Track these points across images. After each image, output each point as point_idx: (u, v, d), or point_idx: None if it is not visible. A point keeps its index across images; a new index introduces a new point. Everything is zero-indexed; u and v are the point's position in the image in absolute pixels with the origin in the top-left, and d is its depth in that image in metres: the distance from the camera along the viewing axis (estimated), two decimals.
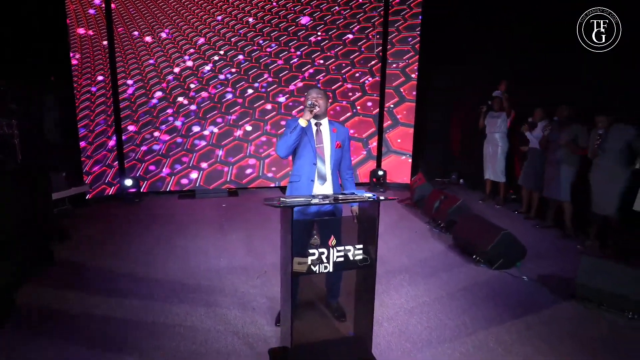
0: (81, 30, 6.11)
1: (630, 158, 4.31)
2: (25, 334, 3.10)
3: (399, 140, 7.50)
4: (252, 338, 3.09)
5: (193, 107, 6.88)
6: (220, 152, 7.04)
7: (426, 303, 3.64)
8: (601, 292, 3.51)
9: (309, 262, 2.49)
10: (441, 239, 5.17)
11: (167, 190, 6.93)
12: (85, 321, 3.26)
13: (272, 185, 7.29)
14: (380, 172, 7.52)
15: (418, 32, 7.23)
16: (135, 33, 6.55)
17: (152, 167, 6.82)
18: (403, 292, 3.83)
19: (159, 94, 6.73)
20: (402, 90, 7.40)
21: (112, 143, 6.58)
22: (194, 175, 6.99)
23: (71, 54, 6.00)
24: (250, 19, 7.00)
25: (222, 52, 6.91)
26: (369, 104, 7.47)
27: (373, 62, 7.39)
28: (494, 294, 3.83)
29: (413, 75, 7.33)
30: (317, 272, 2.51)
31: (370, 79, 7.42)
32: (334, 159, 3.03)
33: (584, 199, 4.87)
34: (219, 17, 6.91)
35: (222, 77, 6.94)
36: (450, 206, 5.32)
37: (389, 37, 7.32)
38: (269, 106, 7.15)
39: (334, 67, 7.29)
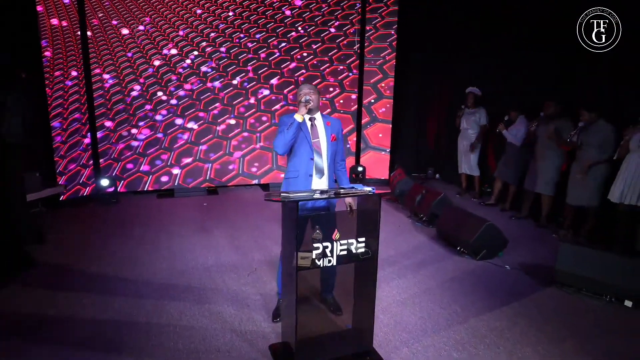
0: (54, 21, 5.85)
1: (607, 153, 4.54)
2: (22, 337, 3.00)
3: (380, 135, 7.60)
4: (251, 335, 3.09)
5: (171, 103, 6.73)
6: (199, 150, 6.93)
7: (417, 294, 3.74)
8: (580, 278, 3.71)
9: (313, 256, 2.52)
10: (424, 232, 5.30)
11: (145, 189, 6.76)
12: (79, 323, 3.18)
13: (253, 182, 7.25)
14: (360, 168, 7.62)
15: (395, 30, 7.35)
16: (114, 22, 6.33)
17: (129, 166, 6.64)
18: (394, 284, 3.91)
19: (136, 89, 6.55)
20: (379, 87, 7.50)
21: (87, 141, 6.34)
22: (173, 173, 6.85)
23: (43, 44, 5.72)
24: (230, 13, 6.92)
25: (201, 48, 6.80)
26: (354, 96, 7.54)
27: (351, 59, 7.46)
28: (480, 283, 3.98)
29: (390, 73, 7.45)
30: (322, 265, 2.55)
31: (348, 75, 7.49)
32: (330, 152, 3.07)
33: (560, 190, 5.11)
34: (198, 11, 6.79)
35: (200, 73, 6.82)
36: (433, 200, 5.46)
37: (367, 35, 7.41)
38: (248, 102, 7.09)
39: (315, 62, 7.30)
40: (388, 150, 7.65)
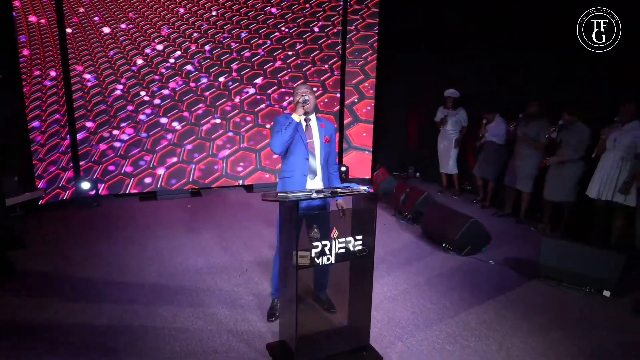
0: (32, 18, 5.68)
1: (580, 153, 4.74)
2: (16, 346, 2.94)
3: (364, 135, 7.69)
4: (247, 335, 3.11)
5: (154, 104, 6.64)
6: (182, 151, 6.86)
7: (407, 290, 3.83)
8: (561, 271, 3.87)
9: (312, 255, 2.56)
10: (409, 230, 5.41)
11: (127, 192, 6.64)
12: (74, 330, 3.13)
13: (237, 184, 7.22)
14: (343, 168, 7.69)
15: (376, 31, 7.45)
16: (96, 19, 6.19)
17: (111, 168, 6.50)
18: (383, 281, 3.99)
19: (118, 89, 6.42)
20: (361, 87, 7.60)
21: (66, 143, 6.18)
22: (156, 174, 6.76)
23: (21, 39, 5.53)
24: (213, 13, 6.87)
25: (183, 48, 6.73)
26: (337, 96, 7.60)
27: (333, 60, 7.52)
28: (467, 278, 4.10)
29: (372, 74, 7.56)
30: (321, 264, 2.59)
31: (331, 76, 7.55)
32: (323, 154, 3.12)
33: (539, 187, 5.30)
34: (181, 10, 6.72)
35: (183, 73, 6.75)
36: (417, 198, 5.57)
37: (348, 36, 7.49)
38: (232, 102, 7.07)
39: (298, 63, 7.33)
40: (370, 150, 7.76)
